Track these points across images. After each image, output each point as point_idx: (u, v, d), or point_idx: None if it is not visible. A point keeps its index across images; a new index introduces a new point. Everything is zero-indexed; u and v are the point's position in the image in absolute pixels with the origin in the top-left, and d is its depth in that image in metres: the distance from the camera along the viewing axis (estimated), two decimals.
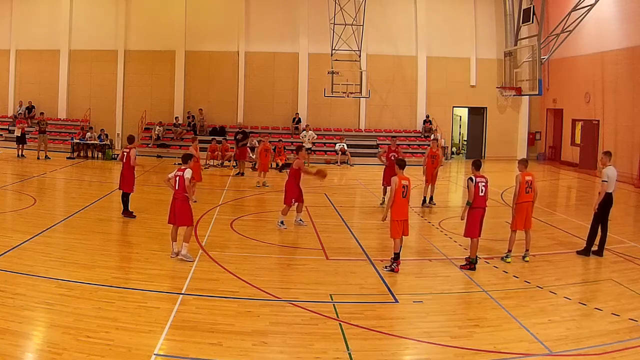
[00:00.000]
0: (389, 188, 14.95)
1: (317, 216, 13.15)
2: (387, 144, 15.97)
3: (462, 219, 9.39)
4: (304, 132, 25.29)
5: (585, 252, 10.31)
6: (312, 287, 8.24)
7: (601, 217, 10.26)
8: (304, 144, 23.56)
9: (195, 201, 9.84)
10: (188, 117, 26.70)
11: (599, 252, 10.25)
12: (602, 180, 10.23)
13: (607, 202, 10.22)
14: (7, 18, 27.12)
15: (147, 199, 15.35)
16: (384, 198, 15.25)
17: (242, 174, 20.12)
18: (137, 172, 18.05)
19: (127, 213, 12.47)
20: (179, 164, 24.13)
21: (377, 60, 27.03)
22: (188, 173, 9.30)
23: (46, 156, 22.31)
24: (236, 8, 26.94)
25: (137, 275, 8.43)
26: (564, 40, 20.95)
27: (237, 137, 21.07)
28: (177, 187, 9.34)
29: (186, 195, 9.30)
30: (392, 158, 14.99)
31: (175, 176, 9.37)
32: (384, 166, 15.08)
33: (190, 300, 7.47)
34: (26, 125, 23.83)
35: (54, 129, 26.39)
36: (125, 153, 12.51)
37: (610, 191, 10.19)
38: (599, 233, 10.30)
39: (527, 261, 9.74)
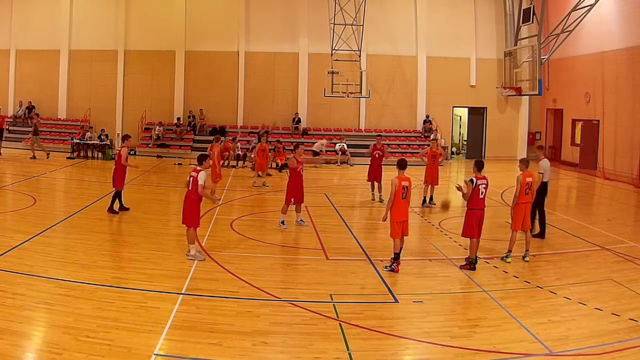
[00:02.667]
0: (376, 184, 15.18)
1: (317, 216, 13.15)
2: (383, 144, 16.09)
3: (461, 192, 9.40)
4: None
5: (540, 234, 11.41)
6: (312, 287, 8.24)
7: (539, 203, 11.23)
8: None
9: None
10: (189, 117, 26.70)
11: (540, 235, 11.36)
12: (539, 172, 11.16)
13: (543, 190, 11.26)
14: (7, 18, 27.14)
15: (147, 198, 15.36)
16: (373, 194, 15.62)
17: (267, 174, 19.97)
18: (137, 172, 18.18)
19: (123, 209, 12.73)
20: (179, 164, 24.24)
21: (377, 60, 27.04)
22: (202, 178, 9.18)
23: (33, 156, 22.13)
24: (236, 8, 26.95)
25: (137, 275, 8.42)
26: (564, 40, 20.96)
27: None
28: (189, 187, 9.35)
29: (198, 197, 9.24)
30: (377, 156, 15.22)
31: (190, 176, 9.38)
32: (369, 164, 15.47)
33: (190, 300, 7.47)
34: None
35: (54, 129, 26.43)
36: (118, 152, 12.93)
37: (545, 181, 11.30)
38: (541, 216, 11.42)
39: (527, 261, 9.75)
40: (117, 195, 12.78)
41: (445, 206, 11.77)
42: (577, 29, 20.70)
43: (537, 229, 11.39)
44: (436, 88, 27.42)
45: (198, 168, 9.37)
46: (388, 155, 15.59)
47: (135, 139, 25.57)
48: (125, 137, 13.33)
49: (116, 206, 12.76)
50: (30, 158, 21.90)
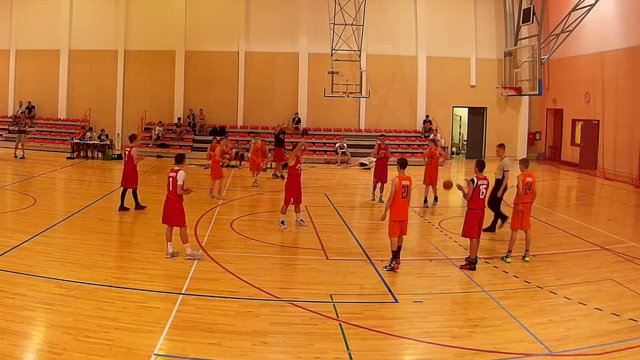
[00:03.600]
0: (379, 184, 15.30)
1: (317, 216, 13.14)
2: (386, 143, 16.14)
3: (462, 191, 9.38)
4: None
5: (491, 228, 11.85)
6: (312, 287, 8.23)
7: (500, 199, 11.77)
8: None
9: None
10: (188, 117, 26.67)
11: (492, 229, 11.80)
12: (505, 170, 11.45)
13: (501, 187, 11.75)
14: (7, 18, 27.13)
15: (147, 198, 15.33)
16: (373, 193, 15.70)
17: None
18: (138, 173, 18.09)
19: (123, 209, 12.93)
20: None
21: (377, 60, 27.03)
22: (181, 178, 9.22)
23: (22, 156, 21.93)
24: (236, 8, 26.95)
25: (137, 275, 8.42)
26: (564, 40, 20.94)
27: (280, 136, 21.02)
28: (170, 188, 9.36)
29: (179, 197, 9.28)
30: (382, 155, 15.25)
31: (169, 177, 9.39)
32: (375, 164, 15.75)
33: (190, 300, 7.47)
34: None
35: (54, 129, 26.43)
36: (126, 152, 13.20)
37: (499, 178, 11.81)
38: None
39: (527, 261, 9.75)
40: (134, 193, 13.15)
41: (447, 186, 10.86)
42: (577, 29, 20.69)
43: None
44: (436, 88, 27.41)
45: (176, 167, 9.38)
46: (389, 155, 15.63)
47: (137, 137, 25.56)
48: (132, 137, 13.69)
49: (128, 202, 13.04)
50: (19, 158, 21.64)
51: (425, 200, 14.97)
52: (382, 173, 15.21)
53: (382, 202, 14.99)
